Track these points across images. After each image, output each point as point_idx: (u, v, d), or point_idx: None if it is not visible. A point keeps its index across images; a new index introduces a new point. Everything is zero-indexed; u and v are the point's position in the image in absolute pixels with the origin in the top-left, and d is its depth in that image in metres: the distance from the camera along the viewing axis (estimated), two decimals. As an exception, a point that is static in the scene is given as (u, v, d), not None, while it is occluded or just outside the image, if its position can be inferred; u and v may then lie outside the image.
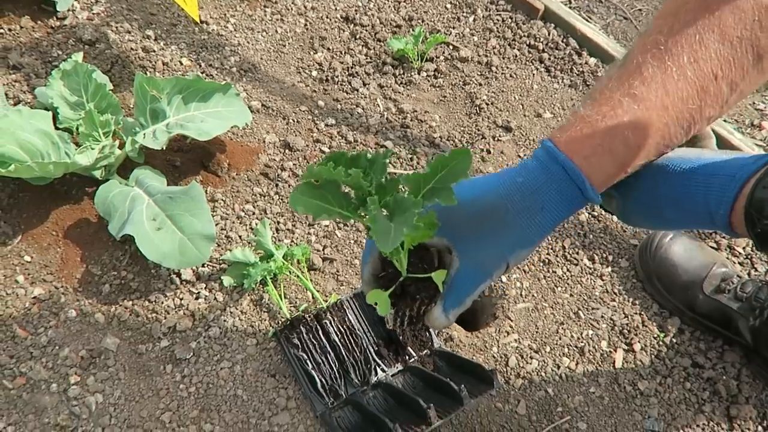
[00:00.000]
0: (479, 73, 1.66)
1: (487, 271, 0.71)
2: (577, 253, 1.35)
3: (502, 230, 0.70)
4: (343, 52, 1.65)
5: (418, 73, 1.64)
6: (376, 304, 0.71)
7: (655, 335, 1.25)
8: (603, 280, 1.32)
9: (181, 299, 1.17)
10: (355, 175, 0.62)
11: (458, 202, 0.65)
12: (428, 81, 1.63)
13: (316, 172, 0.63)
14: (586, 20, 1.81)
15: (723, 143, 1.51)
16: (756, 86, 0.74)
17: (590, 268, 1.34)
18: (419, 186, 0.66)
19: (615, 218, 1.42)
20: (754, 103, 1.72)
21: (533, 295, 1.28)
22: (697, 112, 0.70)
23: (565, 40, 1.76)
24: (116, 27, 1.57)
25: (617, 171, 0.71)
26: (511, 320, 1.24)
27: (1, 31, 1.52)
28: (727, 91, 0.70)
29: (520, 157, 1.51)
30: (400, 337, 0.83)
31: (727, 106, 0.73)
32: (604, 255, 1.35)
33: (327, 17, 1.73)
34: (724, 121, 1.62)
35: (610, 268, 1.34)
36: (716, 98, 0.70)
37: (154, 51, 1.54)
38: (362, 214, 0.67)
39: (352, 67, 1.62)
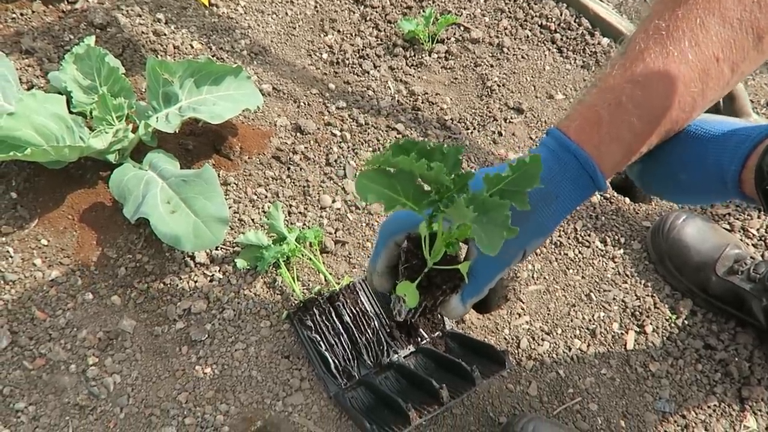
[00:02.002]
0: (490, 55, 1.65)
1: (504, 260, 0.73)
2: (589, 236, 1.35)
3: (518, 219, 0.71)
4: (353, 35, 1.65)
5: (429, 55, 1.63)
6: (403, 295, 0.72)
7: (667, 317, 1.25)
8: (615, 262, 1.32)
9: (196, 282, 1.18)
10: (437, 169, 0.61)
11: (475, 193, 0.66)
12: (439, 63, 1.62)
13: (393, 161, 0.61)
14: (599, 0, 1.78)
15: (738, 124, 1.49)
16: (756, 67, 0.75)
17: (602, 250, 1.34)
18: (492, 186, 0.66)
19: (627, 200, 1.42)
20: (769, 83, 1.70)
21: (545, 278, 1.29)
22: (699, 95, 0.71)
23: (577, 20, 1.74)
24: (127, 11, 1.57)
25: (624, 158, 0.72)
26: (523, 302, 1.25)
27: (14, 15, 1.52)
28: (729, 73, 0.71)
29: (531, 138, 1.50)
30: (412, 320, 0.83)
31: (728, 87, 0.74)
32: (616, 237, 1.35)
33: (337, -1, 1.72)
34: (739, 101, 1.60)
35: (622, 250, 1.34)
36: (718, 80, 0.71)
37: (165, 34, 1.54)
38: (442, 209, 0.66)
39: (362, 50, 1.61)
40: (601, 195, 1.41)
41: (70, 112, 1.24)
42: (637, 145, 0.71)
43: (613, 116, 0.70)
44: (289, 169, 1.37)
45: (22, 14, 1.53)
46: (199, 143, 1.37)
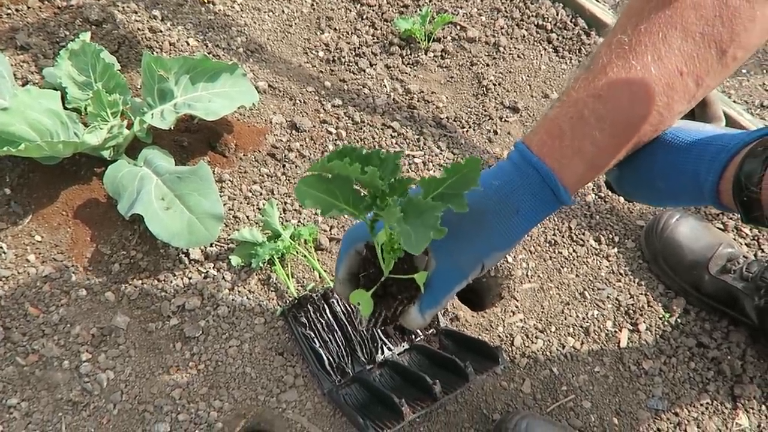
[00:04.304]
0: (487, 54, 1.65)
1: (463, 272, 0.72)
2: (584, 234, 1.35)
3: (478, 232, 0.71)
4: (349, 33, 1.65)
5: (425, 54, 1.63)
6: (358, 304, 0.71)
7: (661, 315, 1.26)
8: (609, 260, 1.33)
9: (190, 278, 1.18)
10: (371, 173, 0.61)
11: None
12: (435, 61, 1.62)
13: (328, 166, 0.62)
14: (595, 0, 1.79)
15: (732, 124, 1.50)
16: (721, 80, 0.75)
17: (596, 249, 1.34)
18: (430, 190, 0.66)
19: (621, 199, 1.42)
20: (764, 84, 1.71)
21: (539, 276, 1.29)
22: (665, 108, 0.71)
23: (573, 20, 1.74)
24: (123, 7, 1.57)
25: (589, 172, 0.72)
26: (517, 300, 1.25)
27: (9, 11, 1.52)
28: (694, 87, 0.71)
29: (527, 138, 1.50)
30: (375, 330, 0.83)
31: (695, 101, 0.74)
32: (611, 236, 1.36)
33: (333, -3, 1.72)
34: (734, 102, 1.61)
35: (616, 249, 1.34)
36: (683, 94, 0.71)
37: (161, 31, 1.54)
38: (376, 213, 0.66)
39: (358, 48, 1.61)
40: (595, 194, 1.42)
41: (65, 108, 1.24)
42: (601, 159, 0.71)
43: (575, 130, 0.69)
44: (284, 166, 1.37)
45: (17, 10, 1.52)
46: (195, 140, 1.37)
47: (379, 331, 1.13)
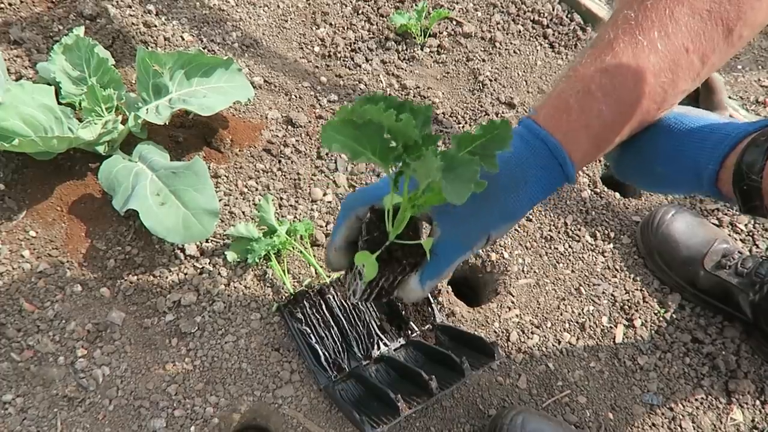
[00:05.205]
0: (482, 49, 1.65)
1: (468, 243, 0.71)
2: (579, 230, 1.35)
3: (485, 203, 0.70)
4: (345, 28, 1.64)
5: (421, 49, 1.62)
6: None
7: (656, 311, 1.26)
8: (605, 256, 1.33)
9: (186, 274, 1.18)
10: (406, 121, 0.57)
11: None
12: (431, 57, 1.62)
13: (359, 111, 0.58)
14: (591, -5, 1.79)
15: (727, 120, 1.50)
16: (726, 59, 0.75)
17: (592, 245, 1.34)
18: (463, 146, 0.63)
19: (617, 195, 1.43)
20: (759, 80, 1.71)
21: (535, 271, 1.29)
22: (670, 85, 0.71)
23: (569, 16, 1.74)
24: (117, 1, 1.56)
25: (594, 148, 0.72)
26: (513, 296, 1.25)
27: (2, 5, 1.51)
28: (699, 64, 0.71)
29: (523, 133, 1.50)
30: (367, 302, 0.79)
31: (699, 79, 0.74)
32: (606, 232, 1.36)
33: (329, -8, 1.71)
34: (729, 98, 1.61)
35: (611, 245, 1.34)
36: (688, 71, 0.71)
37: (156, 26, 1.53)
38: (404, 165, 0.62)
39: (354, 43, 1.61)
40: (591, 190, 1.42)
41: (59, 103, 1.23)
42: (606, 135, 0.71)
43: (582, 104, 0.69)
44: (280, 161, 1.36)
45: (10, 4, 1.51)
46: (190, 135, 1.37)
47: (375, 326, 1.13)
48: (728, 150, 0.70)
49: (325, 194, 1.32)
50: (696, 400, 1.16)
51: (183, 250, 1.20)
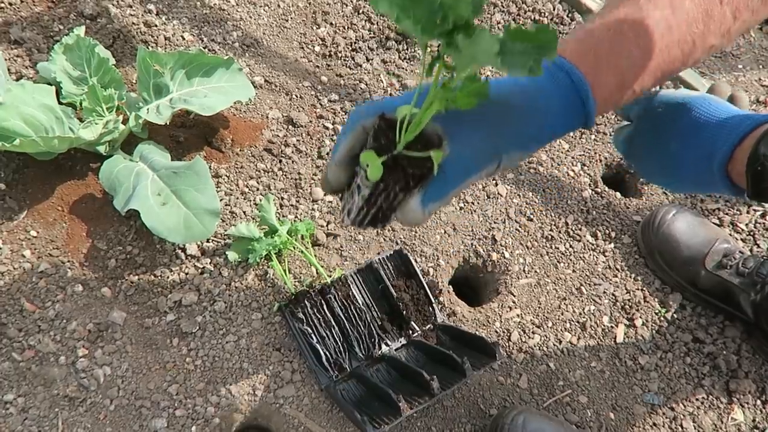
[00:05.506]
0: (483, 49, 1.65)
1: (477, 165, 0.67)
2: (580, 230, 1.35)
3: (500, 126, 0.67)
4: (346, 27, 1.64)
5: (422, 49, 1.62)
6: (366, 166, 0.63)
7: (657, 311, 1.26)
8: (605, 256, 1.33)
9: (187, 274, 1.18)
10: None
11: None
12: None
13: None
14: (592, -5, 1.79)
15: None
16: (759, 20, 0.74)
17: (593, 245, 1.34)
18: (514, 38, 0.56)
19: (618, 195, 1.43)
20: (760, 79, 1.71)
21: (536, 271, 1.29)
22: (700, 37, 0.70)
23: (570, 15, 1.74)
24: (117, 1, 1.56)
25: (617, 90, 0.70)
26: (514, 296, 1.25)
27: (2, 5, 1.50)
28: (731, 18, 0.70)
29: (523, 133, 1.50)
30: (361, 227, 0.73)
31: (728, 36, 0.73)
32: (607, 231, 1.36)
33: (330, -9, 1.71)
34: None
35: (612, 245, 1.34)
36: (720, 25, 0.70)
37: (156, 25, 1.53)
38: (447, 44, 0.56)
39: (355, 42, 1.61)
40: (592, 190, 1.42)
41: (60, 103, 1.23)
42: (631, 79, 0.69)
43: (613, 43, 0.68)
44: (281, 161, 1.36)
45: (10, 4, 1.51)
46: (191, 135, 1.37)
47: (376, 326, 1.13)
48: (748, 131, 0.70)
49: (325, 194, 1.32)
50: (697, 399, 1.16)
51: (184, 250, 1.20)
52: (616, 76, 0.69)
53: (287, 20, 1.64)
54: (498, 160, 0.67)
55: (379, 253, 1.24)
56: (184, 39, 1.53)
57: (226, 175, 1.32)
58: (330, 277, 1.18)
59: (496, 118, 0.65)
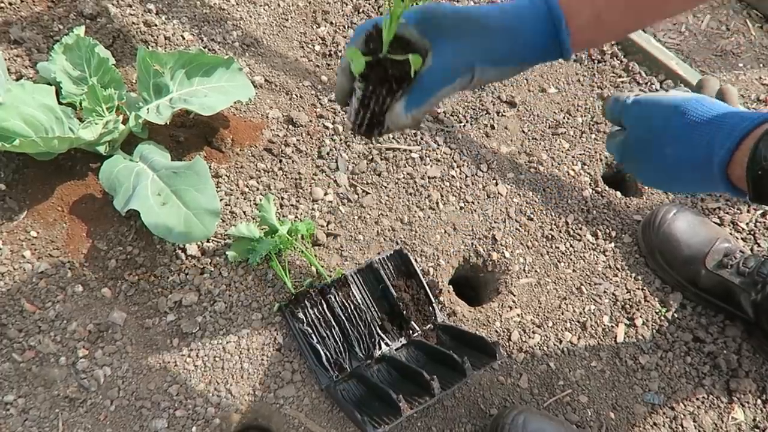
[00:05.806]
0: (483, 48, 1.64)
1: (454, 73, 0.73)
2: (581, 229, 1.35)
3: (477, 39, 0.72)
4: (346, 26, 1.64)
5: (422, 48, 1.62)
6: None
7: (657, 310, 1.26)
8: (606, 255, 1.33)
9: (187, 274, 1.18)
10: None
11: (443, 9, 0.70)
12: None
13: None
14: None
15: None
16: None
17: (593, 244, 1.34)
18: None
19: (618, 194, 1.42)
20: (760, 78, 1.71)
21: (536, 271, 1.29)
22: None
23: (570, 14, 1.73)
24: (117, 1, 1.56)
25: (593, 22, 0.73)
26: (514, 295, 1.25)
27: (2, 5, 1.50)
28: None
29: (524, 132, 1.50)
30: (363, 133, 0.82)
31: None
32: (607, 231, 1.36)
33: (330, -9, 1.71)
34: (730, 96, 1.61)
35: (613, 244, 1.34)
36: None
37: (156, 25, 1.53)
38: None
39: (355, 42, 1.60)
40: (592, 189, 1.42)
41: (60, 103, 1.23)
42: (608, 14, 0.72)
43: None
44: (281, 161, 1.36)
45: (10, 3, 1.51)
46: (191, 135, 1.37)
47: (377, 326, 1.13)
48: (746, 132, 0.69)
49: (326, 194, 1.32)
50: (697, 399, 1.16)
51: (184, 250, 1.20)
52: (593, 8, 0.72)
53: (287, 19, 1.63)
54: (471, 73, 0.73)
55: (379, 253, 1.24)
56: (184, 38, 1.53)
57: (226, 175, 1.32)
58: (330, 277, 1.18)
59: (473, 36, 0.71)
